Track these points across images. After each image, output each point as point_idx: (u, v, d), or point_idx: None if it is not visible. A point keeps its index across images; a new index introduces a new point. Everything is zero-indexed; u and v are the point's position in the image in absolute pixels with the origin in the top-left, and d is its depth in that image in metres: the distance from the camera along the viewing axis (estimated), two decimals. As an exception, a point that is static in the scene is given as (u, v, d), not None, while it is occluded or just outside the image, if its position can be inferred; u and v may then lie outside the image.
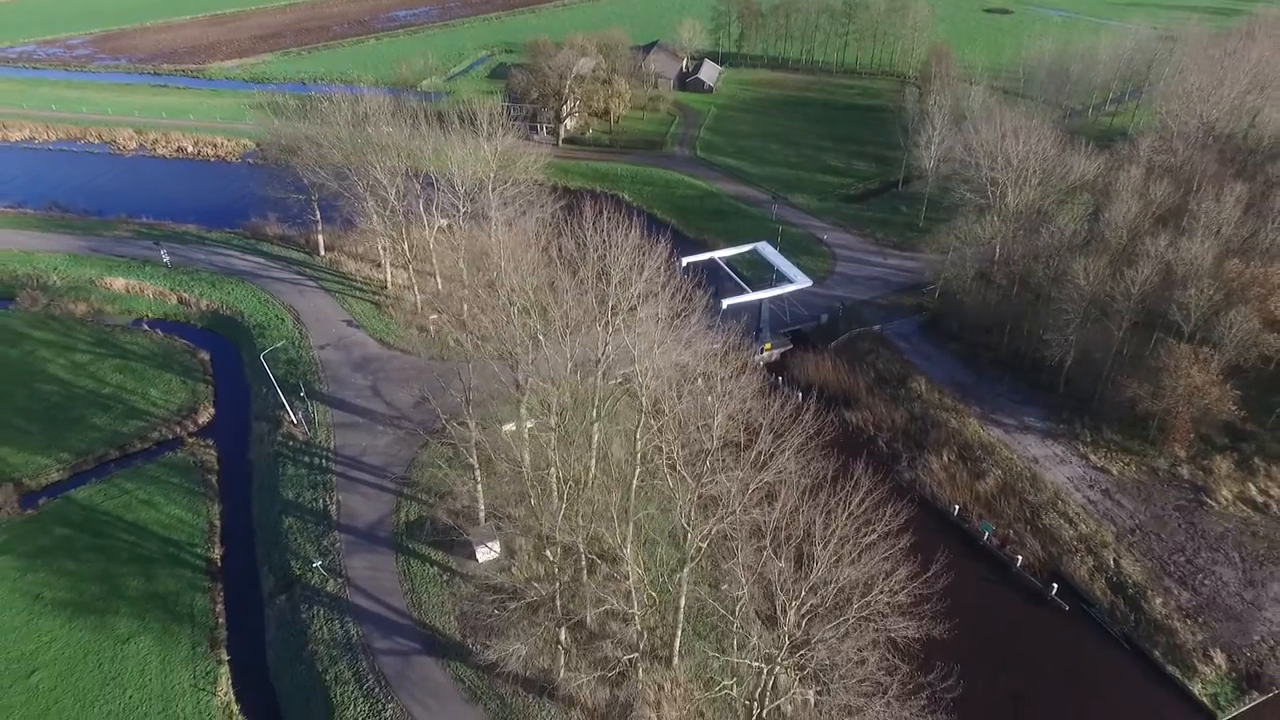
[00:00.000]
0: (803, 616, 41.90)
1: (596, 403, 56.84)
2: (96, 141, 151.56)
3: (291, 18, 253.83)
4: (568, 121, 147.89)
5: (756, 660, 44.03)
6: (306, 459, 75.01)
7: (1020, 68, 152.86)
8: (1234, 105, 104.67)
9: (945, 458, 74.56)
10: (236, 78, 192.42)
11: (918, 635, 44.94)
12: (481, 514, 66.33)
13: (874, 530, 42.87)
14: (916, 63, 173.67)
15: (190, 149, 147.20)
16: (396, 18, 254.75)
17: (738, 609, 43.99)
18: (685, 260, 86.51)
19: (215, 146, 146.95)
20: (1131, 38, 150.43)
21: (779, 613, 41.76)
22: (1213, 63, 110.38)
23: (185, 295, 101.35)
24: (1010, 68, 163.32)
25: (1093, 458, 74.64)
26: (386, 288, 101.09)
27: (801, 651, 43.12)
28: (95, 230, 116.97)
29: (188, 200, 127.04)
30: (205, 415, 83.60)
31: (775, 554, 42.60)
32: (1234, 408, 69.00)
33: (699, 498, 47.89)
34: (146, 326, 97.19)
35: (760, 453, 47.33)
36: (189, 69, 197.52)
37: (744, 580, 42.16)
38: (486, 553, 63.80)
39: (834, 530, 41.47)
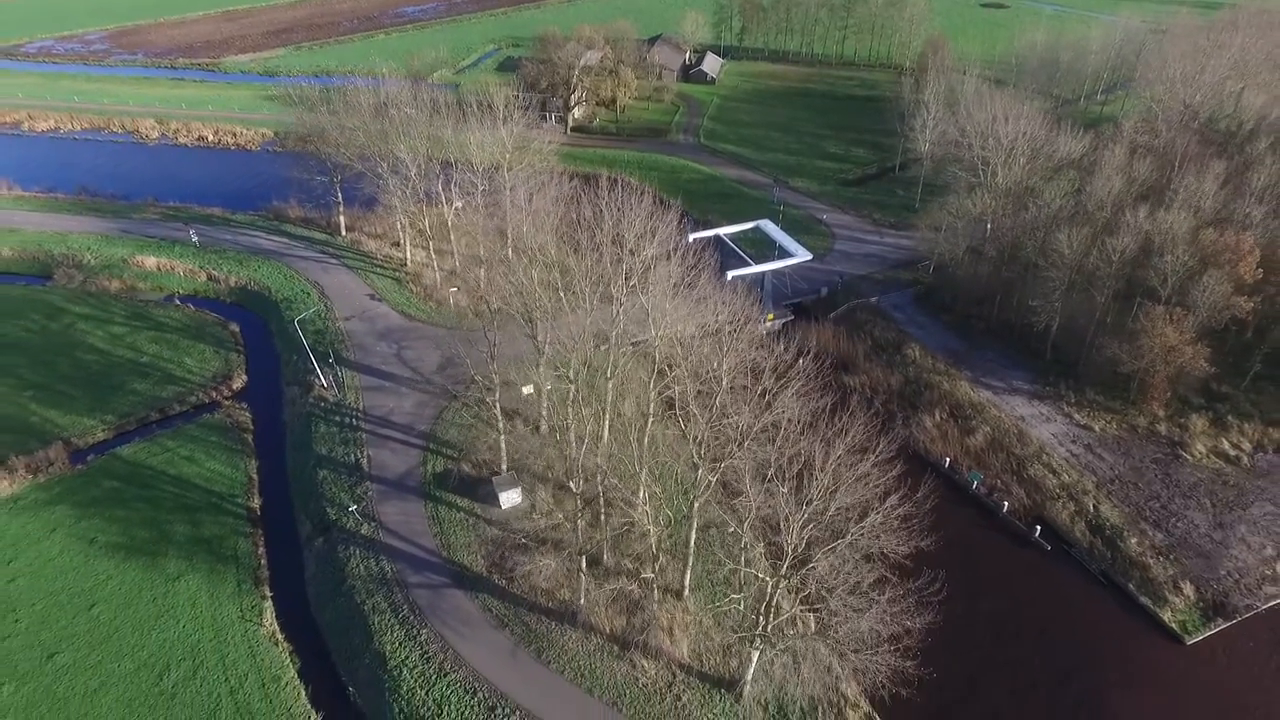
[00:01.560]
0: (804, 534, 46.33)
1: (613, 355, 61.30)
2: (120, 131, 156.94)
3: (302, 13, 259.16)
4: (576, 110, 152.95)
5: (762, 572, 48.67)
6: (337, 418, 79.84)
7: (1013, 57, 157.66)
8: (1215, 90, 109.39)
9: (937, 416, 79.29)
10: (251, 71, 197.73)
11: (908, 557, 49.69)
12: (504, 465, 71.22)
13: (868, 459, 47.43)
14: (913, 55, 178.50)
15: (211, 138, 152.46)
16: (404, 14, 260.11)
17: (746, 524, 48.56)
18: (691, 236, 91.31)
19: (235, 135, 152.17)
20: (1121, 30, 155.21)
21: (782, 526, 46.21)
22: (1197, 50, 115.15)
23: (214, 273, 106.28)
24: (1004, 59, 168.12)
25: (1076, 416, 79.39)
26: (406, 265, 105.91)
27: (803, 569, 47.66)
28: (124, 213, 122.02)
29: (211, 185, 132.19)
30: (238, 381, 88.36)
31: (778, 477, 47.20)
32: (1206, 365, 73.52)
33: (709, 443, 52.59)
34: (178, 301, 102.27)
35: (765, 390, 52.10)
36: (204, 63, 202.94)
37: (750, 496, 46.68)
38: (510, 498, 68.49)
39: (833, 457, 45.96)
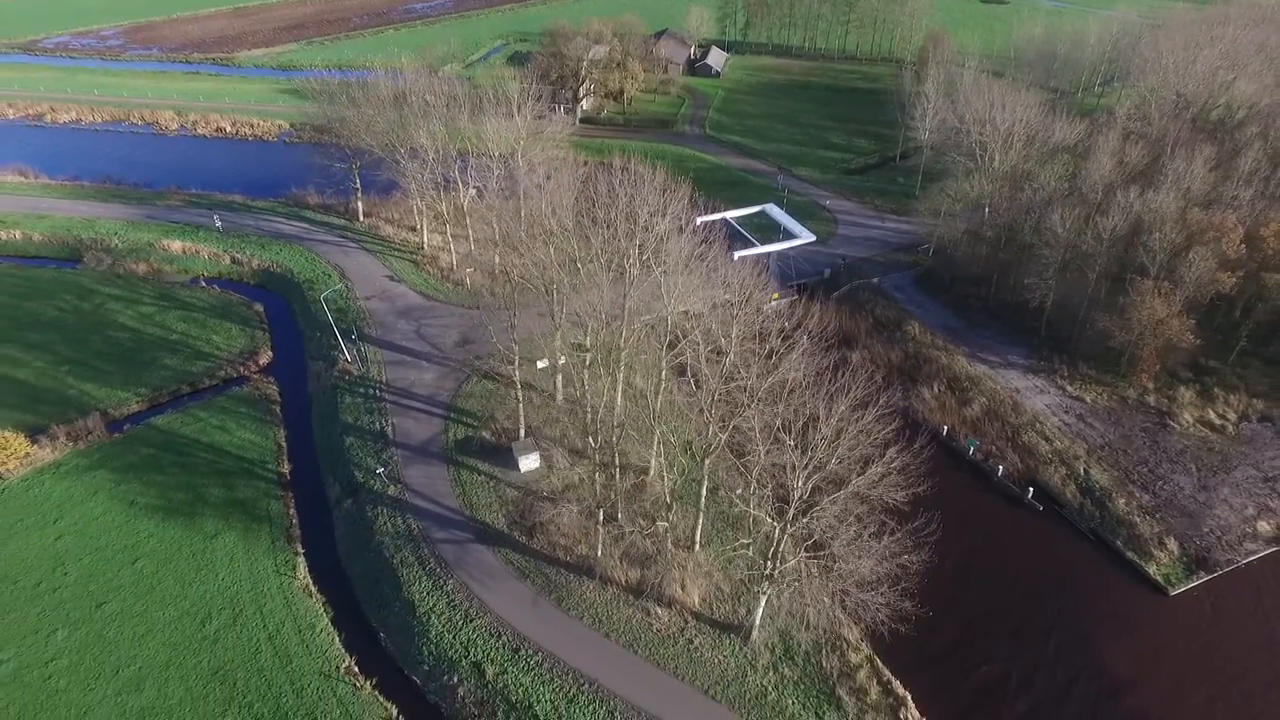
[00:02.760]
0: (808, 483, 49.69)
1: (627, 315, 64.53)
2: (140, 123, 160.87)
3: (313, 9, 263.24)
4: (584, 102, 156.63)
5: (770, 517, 52.22)
6: (361, 390, 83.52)
7: (1011, 50, 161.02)
8: (1207, 80, 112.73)
9: (936, 388, 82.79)
10: (264, 65, 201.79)
11: (906, 511, 53.24)
12: (522, 431, 74.87)
13: (869, 413, 50.82)
14: (914, 49, 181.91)
15: (229, 129, 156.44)
16: (414, 10, 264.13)
17: (754, 472, 52.08)
18: (699, 219, 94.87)
19: (252, 127, 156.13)
20: (1118, 24, 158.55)
21: (788, 475, 49.67)
22: (1189, 42, 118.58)
23: (238, 256, 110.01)
24: (1002, 53, 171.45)
25: (1069, 388, 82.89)
26: (423, 248, 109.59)
27: (808, 516, 51.09)
28: (148, 200, 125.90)
29: (231, 174, 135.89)
30: (264, 357, 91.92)
31: (785, 430, 50.64)
32: (1191, 337, 76.88)
33: (719, 403, 56.07)
34: (204, 283, 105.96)
35: (772, 350, 55.68)
36: (218, 57, 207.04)
37: (760, 441, 50.21)
38: (528, 462, 72.13)
39: (836, 411, 49.39)
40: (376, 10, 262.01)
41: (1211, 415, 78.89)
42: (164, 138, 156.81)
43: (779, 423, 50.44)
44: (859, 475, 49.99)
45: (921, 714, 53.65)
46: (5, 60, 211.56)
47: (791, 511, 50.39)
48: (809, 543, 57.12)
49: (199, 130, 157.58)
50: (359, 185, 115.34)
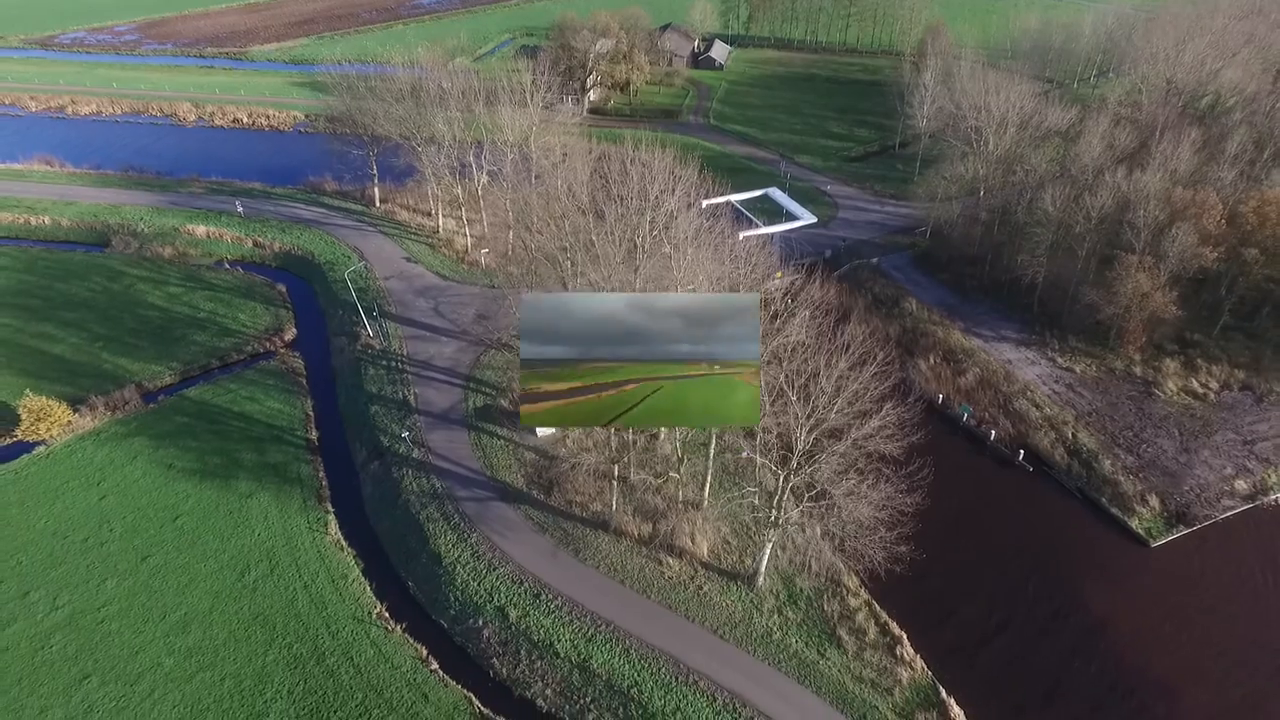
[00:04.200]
0: (810, 436, 53.54)
1: (639, 286, 68.33)
2: (159, 115, 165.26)
3: (323, 5, 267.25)
4: (591, 93, 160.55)
5: (774, 466, 56.17)
6: (384, 363, 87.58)
7: (1008, 41, 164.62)
8: (1196, 68, 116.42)
9: (932, 360, 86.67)
10: (277, 59, 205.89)
11: (901, 471, 57.10)
12: (539, 399, 78.75)
13: (868, 370, 54.60)
14: (913, 41, 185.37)
15: (245, 120, 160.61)
16: (421, 5, 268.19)
17: (759, 427, 56.03)
18: (704, 202, 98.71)
19: (268, 118, 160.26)
20: (1113, 15, 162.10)
21: (792, 426, 53.52)
22: (1179, 32, 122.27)
23: (259, 240, 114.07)
24: (999, 44, 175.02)
25: (1059, 360, 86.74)
26: (438, 232, 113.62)
27: (810, 466, 54.96)
28: (171, 188, 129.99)
29: (249, 162, 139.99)
30: (289, 334, 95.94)
31: (789, 384, 54.46)
32: (1175, 309, 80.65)
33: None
34: (228, 265, 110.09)
35: (776, 313, 59.63)
36: (231, 52, 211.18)
37: (765, 398, 54.10)
38: (545, 429, 76.11)
39: (836, 367, 53.25)
40: (385, 5, 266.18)
41: (1195, 384, 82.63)
42: (183, 128, 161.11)
43: (783, 378, 54.27)
44: (858, 429, 53.87)
45: (915, 652, 57.60)
46: (24, 55, 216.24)
47: (794, 461, 54.27)
48: (811, 493, 61.15)
49: (216, 121, 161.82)
50: (375, 171, 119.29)
